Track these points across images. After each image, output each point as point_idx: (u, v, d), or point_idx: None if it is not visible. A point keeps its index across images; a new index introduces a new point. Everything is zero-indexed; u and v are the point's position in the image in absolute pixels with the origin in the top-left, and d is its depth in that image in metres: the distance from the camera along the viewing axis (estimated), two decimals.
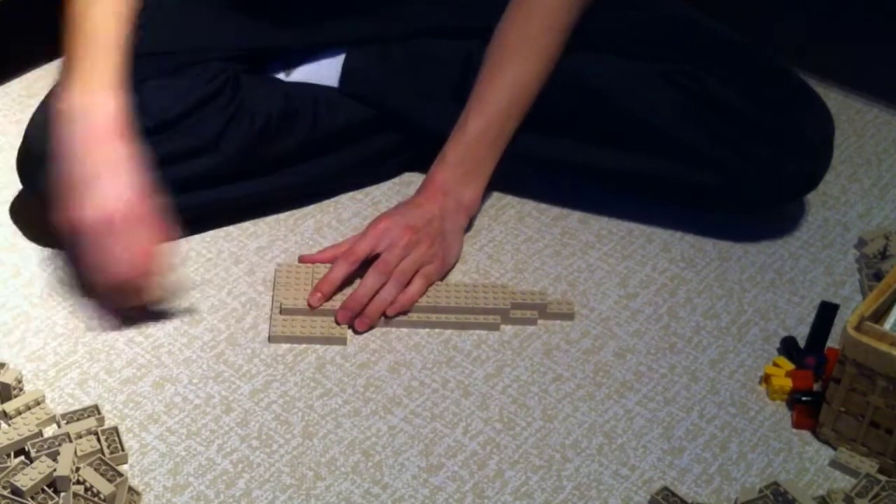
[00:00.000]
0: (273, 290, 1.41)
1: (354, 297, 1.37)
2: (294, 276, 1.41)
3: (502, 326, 1.40)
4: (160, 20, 1.47)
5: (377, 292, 1.38)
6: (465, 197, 1.44)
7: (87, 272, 1.31)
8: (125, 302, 1.34)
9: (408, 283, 1.39)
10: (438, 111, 1.50)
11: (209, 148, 1.43)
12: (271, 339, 1.37)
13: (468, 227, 1.49)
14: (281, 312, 1.38)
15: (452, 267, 1.45)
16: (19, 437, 1.20)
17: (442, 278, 1.43)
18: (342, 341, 1.37)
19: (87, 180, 1.27)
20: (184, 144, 1.42)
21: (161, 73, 1.42)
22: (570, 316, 1.42)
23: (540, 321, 1.41)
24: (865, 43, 1.95)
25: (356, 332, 1.38)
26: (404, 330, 1.39)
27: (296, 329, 1.37)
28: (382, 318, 1.39)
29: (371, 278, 1.37)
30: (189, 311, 1.39)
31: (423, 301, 1.40)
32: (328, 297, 1.38)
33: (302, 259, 1.43)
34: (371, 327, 1.38)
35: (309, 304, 1.38)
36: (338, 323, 1.38)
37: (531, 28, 1.44)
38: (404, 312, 1.39)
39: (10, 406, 1.24)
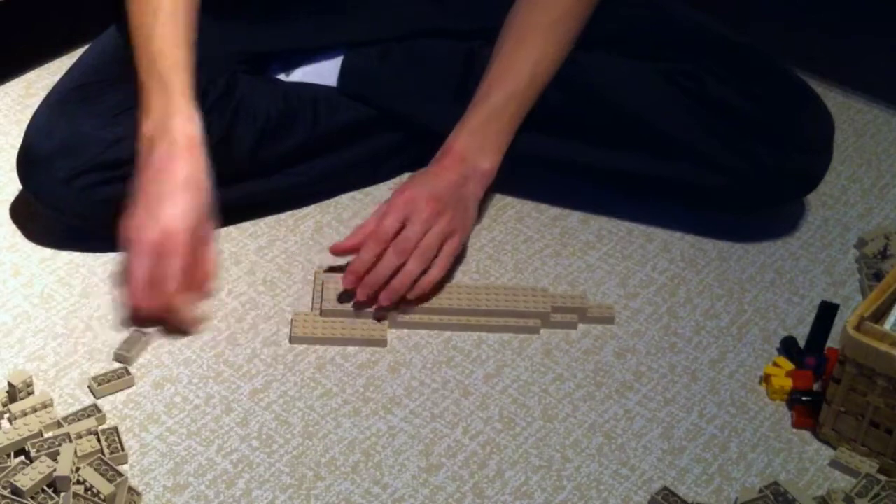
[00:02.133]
0: (312, 294, 1.40)
1: (375, 273, 1.36)
2: (334, 281, 1.40)
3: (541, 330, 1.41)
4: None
5: (399, 268, 1.36)
6: (482, 165, 1.43)
7: (139, 287, 1.31)
8: (166, 319, 1.35)
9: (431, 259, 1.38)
10: (438, 111, 1.50)
11: (209, 149, 1.43)
12: (293, 340, 1.36)
13: (484, 199, 1.48)
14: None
15: (469, 236, 1.45)
16: (19, 438, 1.20)
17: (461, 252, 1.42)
18: (382, 343, 1.37)
19: (159, 197, 1.30)
20: None
21: None
22: (610, 320, 1.42)
23: (581, 325, 1.41)
24: (865, 42, 1.95)
25: (381, 308, 1.37)
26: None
27: (327, 331, 1.36)
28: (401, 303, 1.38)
29: (392, 256, 1.36)
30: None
31: (463, 303, 1.39)
32: (362, 279, 1.37)
33: (334, 250, 1.40)
34: (394, 302, 1.37)
35: (345, 288, 1.37)
36: (358, 302, 1.37)
37: (553, 11, 1.44)
38: (425, 296, 1.38)
39: (16, 407, 1.24)
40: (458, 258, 1.46)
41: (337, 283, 1.39)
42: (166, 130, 1.33)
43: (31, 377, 1.27)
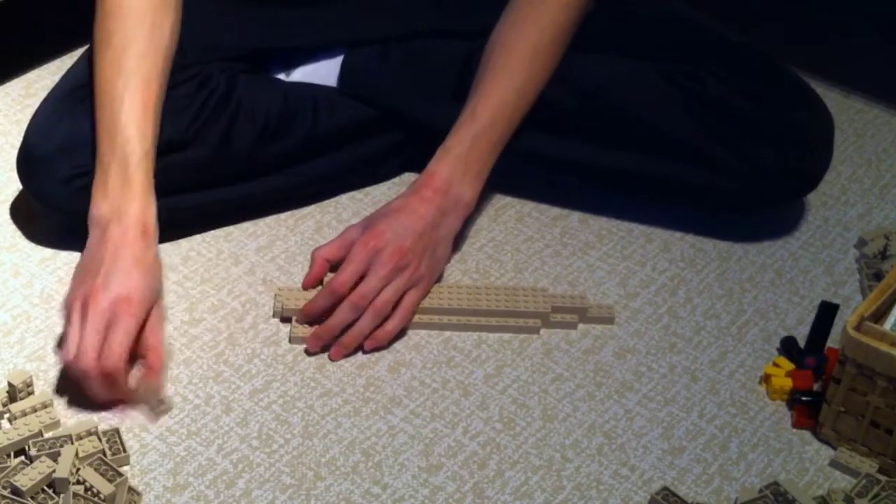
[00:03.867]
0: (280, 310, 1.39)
1: (327, 326, 1.34)
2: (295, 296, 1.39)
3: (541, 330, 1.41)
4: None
5: (353, 323, 1.34)
6: (465, 195, 1.40)
7: (67, 355, 1.24)
8: (98, 394, 1.26)
9: (388, 315, 1.35)
10: (438, 110, 1.50)
11: (209, 149, 1.43)
12: (292, 340, 1.36)
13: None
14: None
15: (441, 275, 1.42)
16: (19, 438, 1.20)
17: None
18: None
19: (109, 270, 1.25)
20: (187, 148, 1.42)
21: None
22: (609, 320, 1.41)
23: (580, 325, 1.41)
24: (865, 43, 1.95)
25: (331, 359, 1.35)
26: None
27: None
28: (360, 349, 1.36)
29: (345, 311, 1.33)
30: (189, 311, 1.40)
31: (463, 303, 1.39)
32: (328, 339, 1.35)
33: (305, 286, 1.39)
34: (346, 356, 1.35)
35: (307, 351, 1.35)
36: (308, 352, 1.35)
37: (538, 37, 1.42)
38: (382, 348, 1.36)
39: (15, 408, 1.24)
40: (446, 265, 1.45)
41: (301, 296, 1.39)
42: (121, 215, 1.28)
43: (31, 377, 1.27)
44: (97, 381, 1.23)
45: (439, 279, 1.42)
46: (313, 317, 1.35)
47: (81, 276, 1.27)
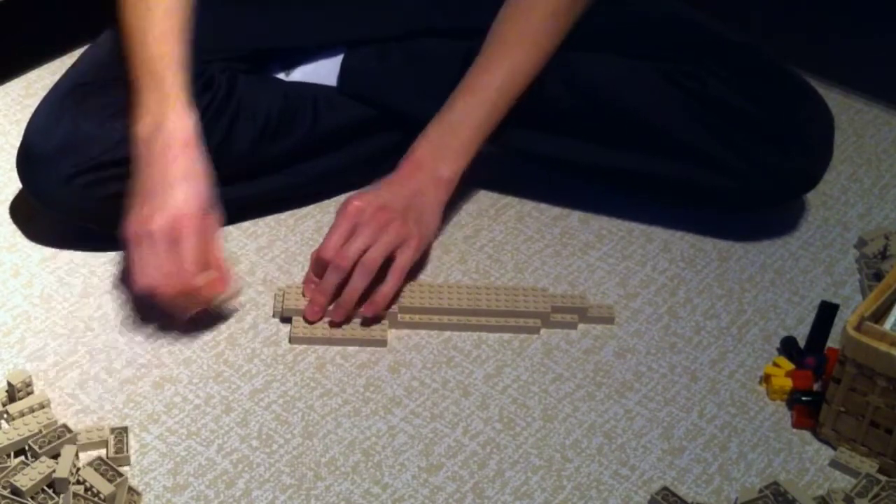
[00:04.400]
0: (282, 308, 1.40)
1: (318, 290, 1.37)
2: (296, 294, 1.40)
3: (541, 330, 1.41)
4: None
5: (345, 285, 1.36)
6: (441, 172, 1.41)
7: (147, 280, 1.30)
8: (181, 310, 1.34)
9: (383, 275, 1.37)
10: (437, 109, 1.49)
11: (210, 149, 1.43)
12: (292, 340, 1.37)
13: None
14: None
15: (429, 243, 1.43)
16: (19, 438, 1.20)
17: (422, 257, 1.42)
18: (382, 343, 1.37)
19: (162, 189, 1.29)
20: None
21: None
22: (610, 320, 1.42)
23: (580, 325, 1.41)
24: (865, 42, 1.95)
25: (334, 323, 1.36)
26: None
27: (326, 331, 1.37)
28: (370, 316, 1.37)
29: (332, 272, 1.36)
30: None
31: (463, 303, 1.39)
32: (323, 304, 1.37)
33: (306, 283, 1.40)
34: (348, 318, 1.37)
35: (306, 319, 1.37)
36: (307, 320, 1.37)
37: (531, 20, 1.43)
38: (380, 312, 1.37)
39: (13, 408, 1.24)
40: (421, 265, 1.46)
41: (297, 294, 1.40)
42: (161, 129, 1.32)
43: (30, 377, 1.27)
44: (173, 302, 1.31)
45: (427, 255, 1.45)
46: (312, 292, 1.37)
47: (135, 201, 1.31)
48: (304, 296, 1.39)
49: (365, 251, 1.35)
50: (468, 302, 1.40)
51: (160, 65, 1.34)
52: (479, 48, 1.46)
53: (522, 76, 1.44)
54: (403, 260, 1.37)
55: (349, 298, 1.36)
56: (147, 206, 1.30)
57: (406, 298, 1.39)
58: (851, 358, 1.23)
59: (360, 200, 1.38)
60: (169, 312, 1.34)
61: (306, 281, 1.39)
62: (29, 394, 1.27)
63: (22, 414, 1.23)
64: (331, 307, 1.37)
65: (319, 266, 1.38)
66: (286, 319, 1.38)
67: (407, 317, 1.39)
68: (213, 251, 1.32)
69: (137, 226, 1.30)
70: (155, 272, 1.29)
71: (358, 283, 1.36)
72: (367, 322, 1.38)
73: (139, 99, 1.34)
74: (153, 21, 1.35)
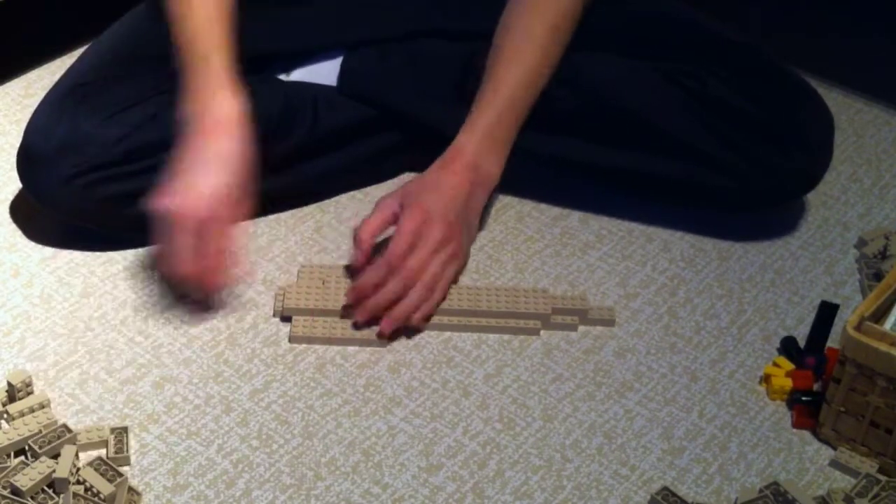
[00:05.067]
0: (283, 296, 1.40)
1: (377, 299, 1.36)
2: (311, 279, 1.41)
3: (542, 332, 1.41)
4: (161, 22, 1.47)
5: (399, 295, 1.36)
6: (492, 170, 1.43)
7: (173, 259, 1.32)
8: (204, 289, 1.36)
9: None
10: (437, 111, 1.50)
11: None
12: (292, 339, 1.37)
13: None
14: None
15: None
16: (19, 438, 1.20)
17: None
18: (382, 344, 1.37)
19: (193, 168, 1.31)
20: None
21: (166, 77, 1.42)
22: (610, 322, 1.42)
23: (580, 325, 1.41)
24: (865, 42, 1.95)
25: (381, 336, 1.36)
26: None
27: (326, 331, 1.36)
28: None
29: (398, 285, 1.35)
30: (189, 310, 1.39)
31: (464, 304, 1.39)
32: (377, 311, 1.36)
33: (359, 264, 1.39)
34: (396, 328, 1.37)
35: (355, 322, 1.37)
36: (356, 325, 1.37)
37: (551, 15, 1.44)
38: (426, 320, 1.38)
39: (13, 408, 1.24)
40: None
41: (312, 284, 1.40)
42: (208, 108, 1.34)
43: (30, 377, 1.27)
44: (198, 284, 1.33)
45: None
46: (367, 291, 1.36)
47: (172, 181, 1.32)
48: (353, 295, 1.36)
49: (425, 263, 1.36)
50: (469, 303, 1.40)
51: (206, 47, 1.36)
52: (480, 54, 1.46)
53: (548, 66, 1.45)
54: (451, 272, 1.39)
55: (405, 312, 1.36)
56: (176, 184, 1.31)
57: None
58: (851, 358, 1.23)
59: (424, 213, 1.36)
60: (184, 293, 1.37)
61: (364, 282, 1.36)
62: (29, 394, 1.26)
63: (22, 414, 1.23)
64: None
65: (383, 270, 1.35)
66: (286, 319, 1.38)
67: None
68: (225, 237, 1.33)
69: (163, 201, 1.31)
70: (177, 257, 1.31)
71: (417, 299, 1.36)
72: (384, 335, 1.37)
73: (187, 81, 1.36)
74: (199, 6, 1.37)
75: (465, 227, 1.40)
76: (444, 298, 1.39)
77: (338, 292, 1.39)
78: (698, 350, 1.40)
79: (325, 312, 1.38)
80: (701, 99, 1.46)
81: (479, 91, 1.44)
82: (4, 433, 1.21)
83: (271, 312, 1.40)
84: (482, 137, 1.42)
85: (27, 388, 1.26)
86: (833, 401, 1.27)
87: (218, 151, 1.32)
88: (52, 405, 1.27)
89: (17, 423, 1.22)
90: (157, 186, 1.32)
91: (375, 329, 1.37)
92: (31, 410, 1.24)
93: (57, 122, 1.40)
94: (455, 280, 1.41)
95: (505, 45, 1.45)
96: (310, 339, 1.36)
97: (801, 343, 1.39)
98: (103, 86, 1.43)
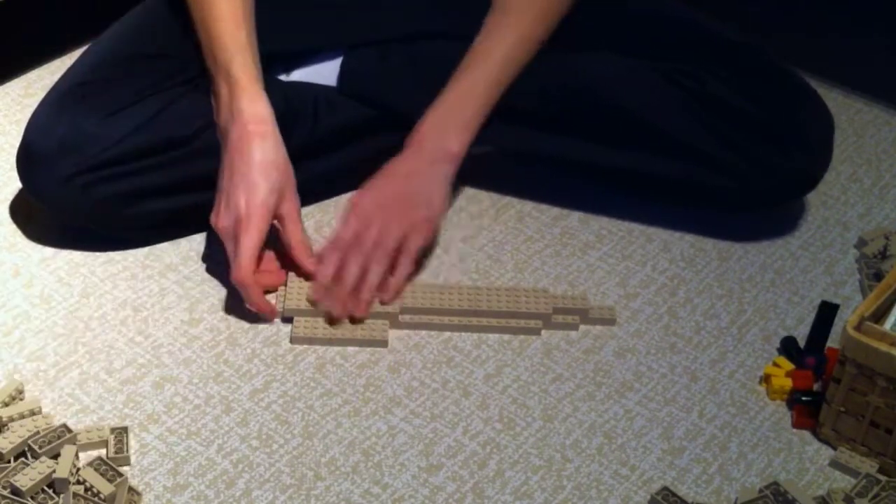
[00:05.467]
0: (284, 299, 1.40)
1: (341, 281, 1.37)
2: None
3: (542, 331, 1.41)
4: (162, 22, 1.47)
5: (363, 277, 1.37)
6: (448, 146, 1.42)
7: (233, 273, 1.34)
8: (253, 301, 1.37)
9: (395, 261, 1.38)
10: None
11: (211, 150, 1.43)
12: (293, 340, 1.37)
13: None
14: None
15: (439, 222, 1.43)
16: (20, 440, 1.20)
17: (432, 235, 1.42)
18: (383, 344, 1.37)
19: (232, 183, 1.35)
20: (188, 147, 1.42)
21: (166, 77, 1.42)
22: (611, 321, 1.41)
23: (582, 326, 1.41)
24: (866, 42, 1.95)
25: (355, 319, 1.37)
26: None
27: (328, 331, 1.37)
28: (388, 306, 1.38)
29: (351, 263, 1.37)
30: (189, 311, 1.40)
31: (464, 304, 1.39)
32: (345, 294, 1.37)
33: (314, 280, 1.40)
34: (369, 307, 1.38)
35: (310, 302, 1.38)
36: (332, 322, 1.37)
37: (530, 6, 1.44)
38: (398, 297, 1.39)
39: (4, 413, 1.23)
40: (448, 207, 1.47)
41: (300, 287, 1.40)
42: (234, 116, 1.36)
43: (21, 384, 1.27)
44: (244, 293, 1.35)
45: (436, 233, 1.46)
46: (323, 281, 1.37)
47: (220, 197, 1.36)
48: (318, 290, 1.38)
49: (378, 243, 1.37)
50: (469, 303, 1.40)
51: (227, 54, 1.37)
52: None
53: (526, 47, 1.45)
54: (414, 245, 1.39)
55: (369, 288, 1.37)
56: (221, 201, 1.35)
57: (408, 299, 1.39)
58: (851, 358, 1.23)
59: (362, 197, 1.40)
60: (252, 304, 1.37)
61: (321, 272, 1.38)
62: (21, 401, 1.26)
63: (12, 419, 1.23)
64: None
65: (334, 256, 1.38)
66: (287, 319, 1.38)
67: (408, 317, 1.39)
68: (290, 239, 1.37)
69: (214, 220, 1.35)
70: (233, 266, 1.35)
71: (376, 270, 1.37)
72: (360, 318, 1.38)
73: (215, 90, 1.39)
74: (218, 10, 1.38)
75: (422, 197, 1.40)
76: (411, 270, 1.39)
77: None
78: (698, 350, 1.40)
79: (326, 313, 1.38)
80: (700, 99, 1.46)
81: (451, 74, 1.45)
82: (4, 437, 1.20)
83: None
84: (437, 118, 1.43)
85: (19, 395, 1.26)
86: (833, 401, 1.27)
87: (256, 161, 1.34)
88: (51, 405, 1.27)
89: (15, 425, 1.22)
90: (215, 201, 1.36)
91: (377, 329, 1.37)
92: (21, 417, 1.23)
93: (57, 121, 1.40)
94: (425, 253, 1.43)
95: (485, 25, 1.45)
96: (311, 340, 1.36)
97: (801, 343, 1.39)
98: (103, 85, 1.43)
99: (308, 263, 1.39)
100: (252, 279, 1.34)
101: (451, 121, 1.43)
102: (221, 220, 1.35)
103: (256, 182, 1.34)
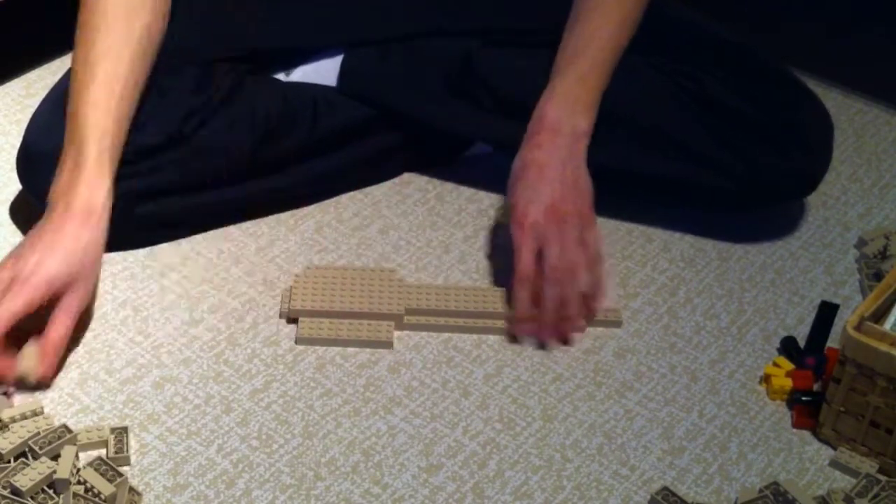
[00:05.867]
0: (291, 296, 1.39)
1: (545, 315, 1.35)
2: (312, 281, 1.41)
3: None
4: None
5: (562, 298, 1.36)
6: (579, 125, 1.39)
7: None
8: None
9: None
10: (437, 110, 1.50)
11: (210, 150, 1.43)
12: (298, 341, 1.36)
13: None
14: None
15: (594, 198, 1.40)
16: (20, 441, 1.20)
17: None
18: (389, 345, 1.37)
19: (35, 248, 1.26)
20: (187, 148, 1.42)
21: (164, 74, 1.42)
22: (617, 324, 1.41)
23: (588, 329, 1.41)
24: (865, 42, 1.95)
25: (566, 344, 1.37)
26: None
27: (332, 332, 1.37)
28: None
29: (551, 291, 1.34)
30: (189, 311, 1.40)
31: (469, 305, 1.39)
32: (551, 322, 1.36)
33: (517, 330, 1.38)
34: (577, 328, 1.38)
35: (539, 337, 1.37)
36: (543, 339, 1.37)
37: None
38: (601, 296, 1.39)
39: (6, 414, 1.23)
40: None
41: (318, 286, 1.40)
42: (67, 196, 1.29)
43: (40, 406, 1.27)
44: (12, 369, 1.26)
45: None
46: (526, 314, 1.36)
47: (15, 250, 1.28)
48: (520, 326, 1.37)
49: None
50: (475, 304, 1.39)
51: (86, 132, 1.30)
52: (479, 55, 1.45)
53: (623, 34, 1.43)
54: (592, 239, 1.37)
55: (574, 308, 1.36)
56: (10, 256, 1.28)
57: (413, 301, 1.39)
58: (851, 358, 1.23)
59: (527, 209, 1.35)
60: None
61: (519, 311, 1.36)
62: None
63: (13, 420, 1.23)
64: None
65: (524, 289, 1.35)
66: (293, 320, 1.38)
67: (414, 319, 1.39)
68: (51, 330, 1.26)
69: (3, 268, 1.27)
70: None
71: (571, 292, 1.35)
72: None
73: (61, 163, 1.31)
74: (93, 86, 1.32)
75: (573, 192, 1.37)
76: (602, 261, 1.38)
77: (344, 294, 1.39)
78: (698, 350, 1.40)
79: (331, 314, 1.38)
80: (699, 100, 1.46)
81: (555, 62, 1.42)
82: (4, 437, 1.20)
83: (271, 312, 1.40)
84: (562, 100, 1.39)
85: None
86: (833, 401, 1.27)
87: (64, 238, 1.26)
88: (52, 405, 1.27)
89: (16, 426, 1.22)
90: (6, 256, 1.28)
91: (380, 330, 1.37)
92: (24, 417, 1.23)
93: (57, 121, 1.40)
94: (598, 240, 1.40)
95: (584, 8, 1.42)
96: (316, 341, 1.36)
97: (801, 343, 1.39)
98: None
99: (46, 365, 1.26)
100: None
101: (578, 99, 1.39)
102: (5, 271, 1.25)
103: (56, 256, 1.25)
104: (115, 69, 1.33)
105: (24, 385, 1.28)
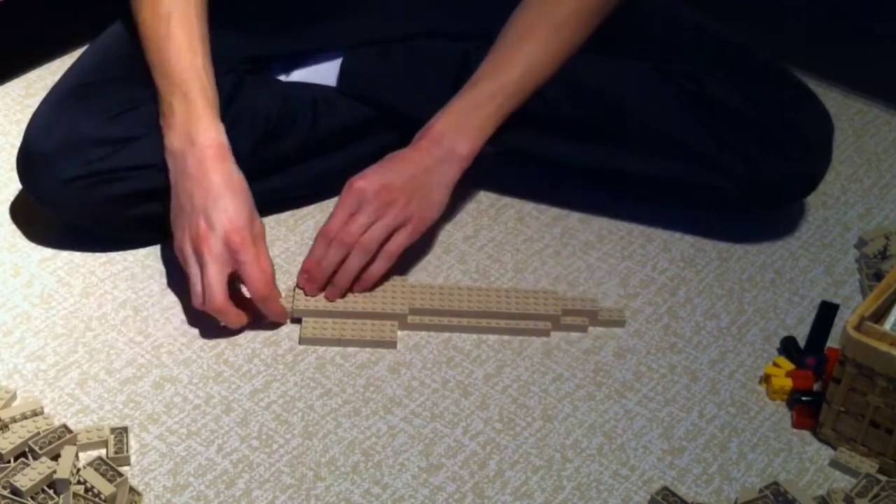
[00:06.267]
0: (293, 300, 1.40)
1: (318, 268, 1.38)
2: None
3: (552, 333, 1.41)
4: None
5: (342, 262, 1.38)
6: (459, 148, 1.40)
7: (209, 301, 1.31)
8: (247, 319, 1.36)
9: (375, 255, 1.38)
10: (437, 110, 1.49)
11: None
12: (302, 341, 1.37)
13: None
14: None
15: (432, 222, 1.41)
16: (20, 441, 1.20)
17: (422, 234, 1.41)
18: (392, 345, 1.37)
19: (205, 205, 1.31)
20: None
21: None
22: (620, 323, 1.41)
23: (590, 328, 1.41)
24: (865, 43, 1.95)
25: (327, 299, 1.39)
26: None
27: (336, 332, 1.37)
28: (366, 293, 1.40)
29: (333, 251, 1.37)
30: (189, 310, 1.39)
31: (473, 305, 1.39)
32: (321, 281, 1.38)
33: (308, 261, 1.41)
34: (342, 296, 1.39)
35: (300, 287, 1.39)
36: (305, 292, 1.39)
37: (561, 12, 1.43)
38: (367, 289, 1.40)
39: (5, 414, 1.23)
40: (429, 241, 1.48)
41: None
42: (193, 142, 1.33)
43: (15, 391, 1.27)
44: (235, 317, 1.33)
45: (434, 231, 1.46)
46: (313, 268, 1.38)
47: (181, 218, 1.33)
48: (303, 274, 1.39)
49: (367, 230, 1.37)
50: (478, 304, 1.39)
51: (182, 75, 1.35)
52: (478, 55, 1.45)
53: (547, 64, 1.43)
54: (397, 243, 1.38)
55: (345, 277, 1.38)
56: (194, 221, 1.31)
57: (416, 301, 1.39)
58: (851, 358, 1.23)
59: (363, 180, 1.38)
60: (225, 324, 1.35)
61: (309, 258, 1.39)
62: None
63: (14, 420, 1.23)
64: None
65: (323, 243, 1.38)
66: (296, 320, 1.38)
67: (417, 319, 1.39)
68: (263, 261, 1.33)
69: (191, 243, 1.31)
70: (212, 292, 1.30)
71: (354, 263, 1.37)
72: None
73: (167, 111, 1.35)
74: (172, 29, 1.36)
75: (419, 194, 1.38)
76: (389, 266, 1.39)
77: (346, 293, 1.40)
78: (698, 350, 1.40)
79: (335, 314, 1.38)
80: (699, 100, 1.46)
81: (471, 76, 1.44)
82: (4, 437, 1.20)
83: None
84: (453, 117, 1.41)
85: (12, 400, 1.26)
86: (833, 401, 1.27)
87: (220, 186, 1.32)
88: (52, 405, 1.27)
89: (16, 426, 1.22)
90: (178, 227, 1.33)
91: (384, 330, 1.37)
92: (24, 417, 1.23)
93: (57, 122, 1.40)
94: (420, 245, 1.42)
95: (509, 33, 1.44)
96: (319, 341, 1.36)
97: (801, 343, 1.39)
98: (104, 86, 1.43)
99: (274, 303, 1.35)
100: (274, 291, 1.34)
101: (468, 123, 1.41)
102: (210, 239, 1.31)
103: (230, 202, 1.32)
104: (188, 10, 1.37)
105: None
